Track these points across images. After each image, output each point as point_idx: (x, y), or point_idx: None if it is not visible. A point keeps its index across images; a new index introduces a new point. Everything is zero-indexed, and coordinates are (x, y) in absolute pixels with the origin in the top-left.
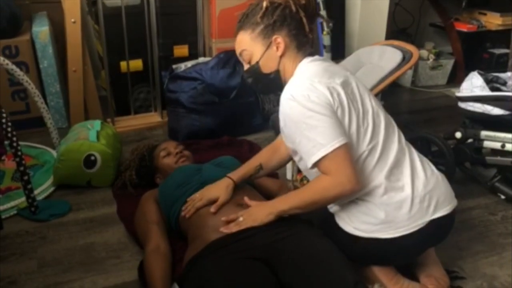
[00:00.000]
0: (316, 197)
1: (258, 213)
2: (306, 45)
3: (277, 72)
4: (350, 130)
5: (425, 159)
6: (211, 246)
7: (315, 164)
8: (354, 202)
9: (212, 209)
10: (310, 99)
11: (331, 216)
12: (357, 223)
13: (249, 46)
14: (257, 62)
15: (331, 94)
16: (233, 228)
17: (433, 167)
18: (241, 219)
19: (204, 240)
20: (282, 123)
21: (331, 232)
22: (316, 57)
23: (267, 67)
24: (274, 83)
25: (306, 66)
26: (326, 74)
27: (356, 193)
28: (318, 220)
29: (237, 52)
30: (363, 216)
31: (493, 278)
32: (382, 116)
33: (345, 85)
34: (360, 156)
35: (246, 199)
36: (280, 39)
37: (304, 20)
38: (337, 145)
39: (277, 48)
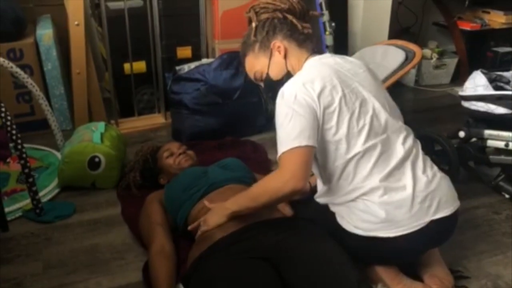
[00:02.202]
0: (260, 192)
1: (213, 216)
2: (306, 41)
3: (288, 73)
4: (339, 130)
5: (428, 159)
6: (215, 246)
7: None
8: (355, 201)
9: None
10: (296, 98)
11: (332, 215)
12: (358, 221)
13: (256, 64)
14: (267, 74)
15: (319, 96)
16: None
17: (436, 168)
18: (202, 224)
19: (210, 238)
20: None
21: (332, 231)
22: (327, 54)
23: (277, 73)
24: None
25: (313, 64)
26: (325, 75)
27: (297, 192)
28: (320, 220)
29: (252, 77)
30: (363, 214)
31: (497, 277)
32: (383, 118)
33: (345, 85)
34: (354, 157)
35: (206, 202)
36: (278, 43)
37: (295, 21)
38: (296, 145)
39: (279, 52)
